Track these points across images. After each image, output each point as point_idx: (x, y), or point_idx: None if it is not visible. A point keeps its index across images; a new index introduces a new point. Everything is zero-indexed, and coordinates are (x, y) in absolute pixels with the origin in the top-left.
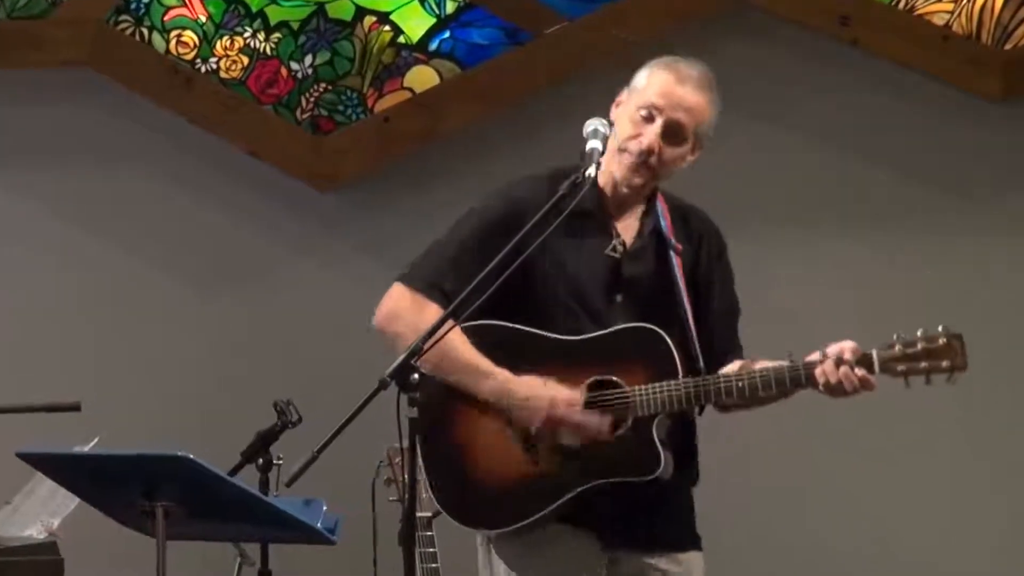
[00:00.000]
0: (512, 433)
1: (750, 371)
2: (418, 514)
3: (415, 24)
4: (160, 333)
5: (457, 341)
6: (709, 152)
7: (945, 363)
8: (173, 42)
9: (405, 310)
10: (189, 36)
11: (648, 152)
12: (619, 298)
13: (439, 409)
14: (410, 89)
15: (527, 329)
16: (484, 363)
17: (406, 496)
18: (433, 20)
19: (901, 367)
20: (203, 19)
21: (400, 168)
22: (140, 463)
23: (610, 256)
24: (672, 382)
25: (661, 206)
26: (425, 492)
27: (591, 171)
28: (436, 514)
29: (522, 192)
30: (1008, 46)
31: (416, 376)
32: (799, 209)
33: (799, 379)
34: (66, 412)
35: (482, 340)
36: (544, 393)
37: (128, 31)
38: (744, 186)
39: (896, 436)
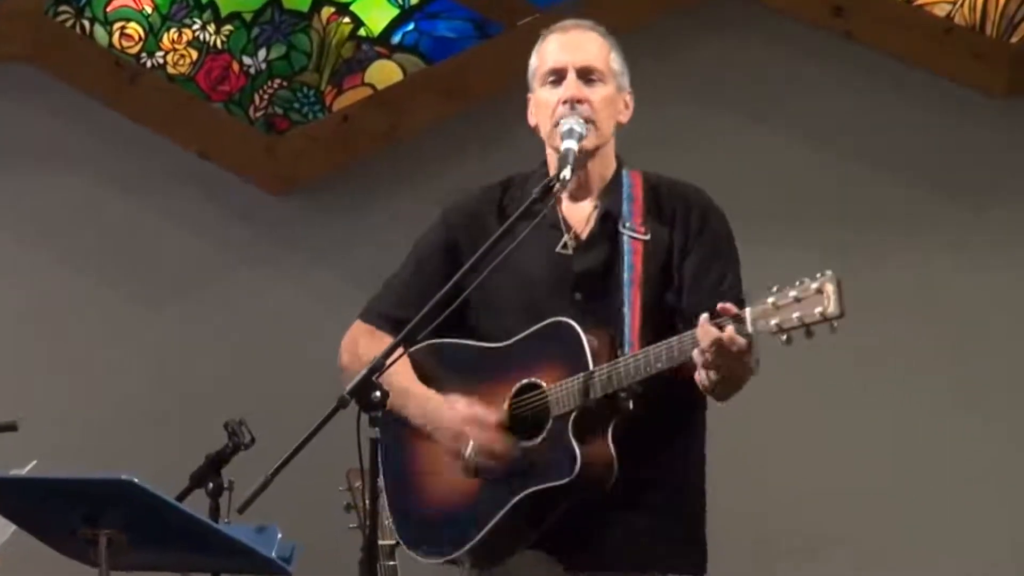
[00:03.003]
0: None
1: (646, 349)
2: (380, 542)
3: (377, 15)
4: (102, 348)
5: (393, 367)
6: (696, 150)
7: (817, 310)
8: (116, 35)
9: (360, 345)
10: (134, 28)
11: (575, 100)
12: (578, 296)
13: (396, 437)
14: (371, 86)
15: (471, 343)
16: (413, 387)
17: (367, 523)
18: (396, 11)
19: (774, 321)
20: (148, 10)
21: (360, 170)
22: (81, 487)
23: (561, 254)
24: (581, 375)
25: (633, 188)
26: (387, 519)
27: (566, 173)
28: (399, 542)
29: (462, 204)
30: (1014, 39)
31: (378, 394)
32: (790, 210)
33: (685, 347)
34: (1, 432)
35: (434, 359)
36: (457, 415)
37: (68, 23)
38: (731, 186)
39: (896, 444)
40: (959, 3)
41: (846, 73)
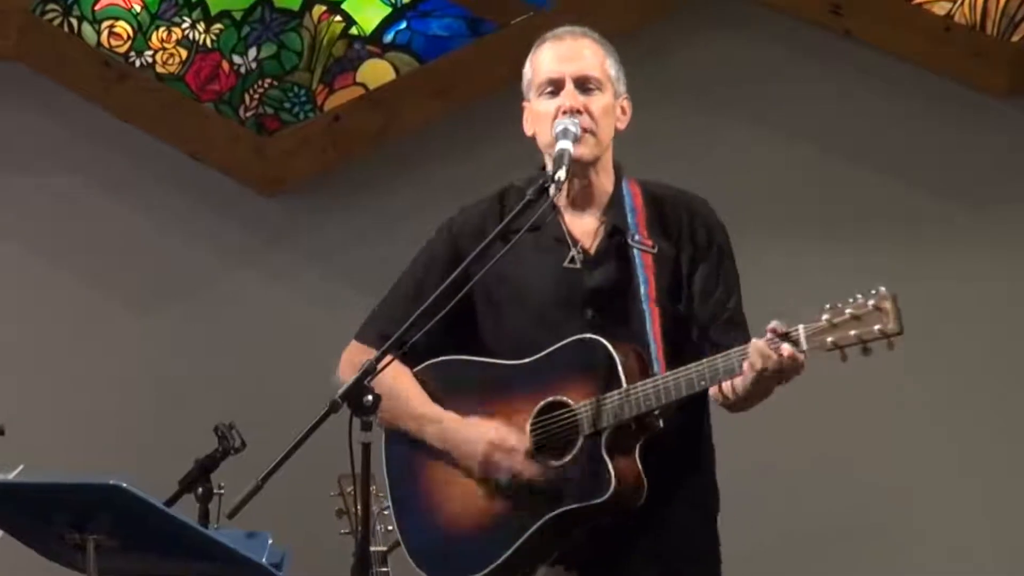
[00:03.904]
0: (472, 472)
1: (687, 367)
2: (372, 548)
3: (369, 14)
4: (90, 352)
5: (403, 386)
6: (694, 149)
7: (877, 327)
8: (105, 33)
9: (351, 365)
10: (122, 27)
11: (574, 111)
12: (589, 313)
13: (409, 457)
14: (363, 85)
15: (481, 360)
16: (427, 408)
17: (359, 529)
18: (388, 10)
19: (830, 339)
20: (137, 8)
21: (352, 171)
22: (69, 492)
23: (570, 268)
24: (615, 392)
25: (633, 198)
26: (379, 525)
27: (561, 174)
28: (391, 548)
29: (467, 219)
30: (1015, 38)
31: (369, 398)
32: (788, 210)
33: (731, 366)
34: None
35: (441, 377)
36: (482, 439)
37: (56, 21)
38: (729, 185)
39: (895, 447)
40: (959, 2)
41: (845, 72)
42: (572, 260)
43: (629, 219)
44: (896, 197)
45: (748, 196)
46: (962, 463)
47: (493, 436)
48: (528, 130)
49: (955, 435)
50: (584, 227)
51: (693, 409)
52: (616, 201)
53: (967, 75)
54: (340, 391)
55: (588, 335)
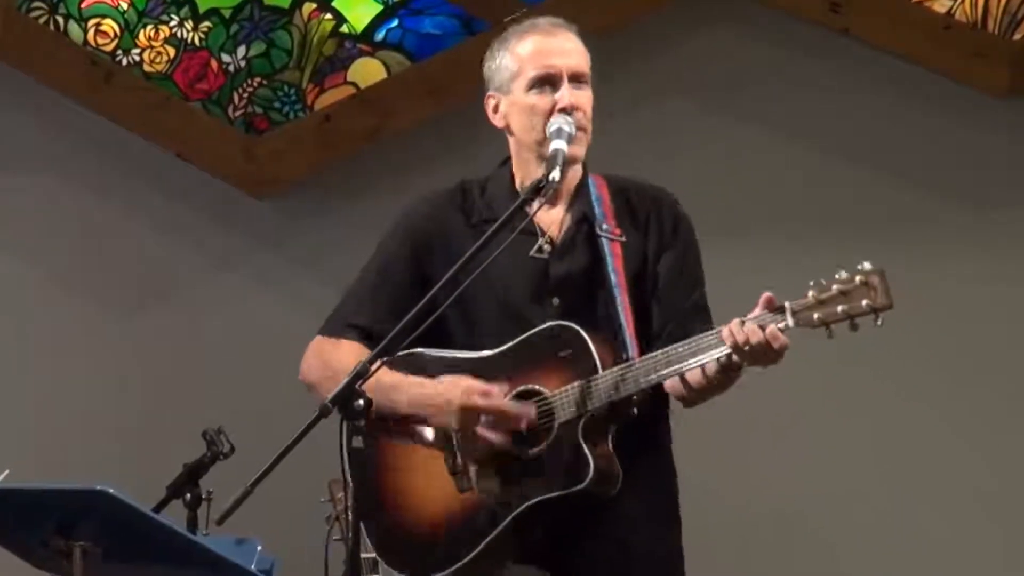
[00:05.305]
0: (440, 462)
1: (664, 350)
2: (364, 555)
3: (360, 12)
4: (76, 356)
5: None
6: (691, 148)
7: (865, 303)
8: (91, 31)
9: (318, 356)
10: (109, 25)
11: (574, 109)
12: (555, 301)
13: (372, 458)
14: (354, 84)
15: (454, 353)
16: (392, 377)
17: (350, 535)
18: (380, 8)
19: (817, 315)
20: (124, 6)
21: (343, 172)
22: (55, 498)
23: (536, 258)
24: (591, 378)
25: (599, 190)
26: None
27: (556, 174)
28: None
29: (428, 213)
30: (1016, 36)
31: (361, 402)
32: (787, 210)
33: (710, 345)
34: None
35: (415, 369)
36: (456, 386)
37: (42, 19)
38: (726, 185)
39: (894, 450)
40: None
41: (843, 71)
42: (540, 249)
43: (596, 209)
44: (896, 197)
45: (743, 194)
46: (963, 464)
47: (469, 382)
48: (500, 122)
49: (956, 437)
50: (550, 217)
51: (653, 402)
52: (582, 192)
53: (967, 74)
54: (331, 395)
55: (559, 322)
